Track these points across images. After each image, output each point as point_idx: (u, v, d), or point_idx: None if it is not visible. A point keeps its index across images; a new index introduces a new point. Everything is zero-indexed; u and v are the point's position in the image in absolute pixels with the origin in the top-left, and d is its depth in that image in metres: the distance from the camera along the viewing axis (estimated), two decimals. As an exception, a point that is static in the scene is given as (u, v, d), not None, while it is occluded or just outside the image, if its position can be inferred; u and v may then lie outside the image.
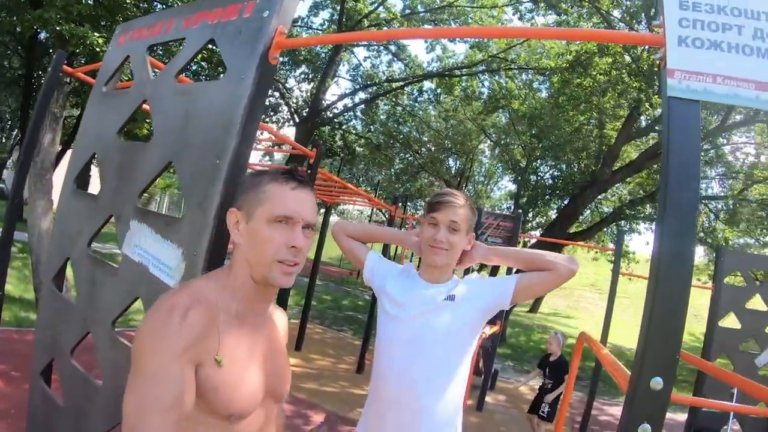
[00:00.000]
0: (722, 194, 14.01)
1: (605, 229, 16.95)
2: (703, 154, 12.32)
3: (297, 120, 17.35)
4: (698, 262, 18.79)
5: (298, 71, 18.39)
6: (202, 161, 1.67)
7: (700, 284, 10.53)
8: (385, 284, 1.79)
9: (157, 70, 2.23)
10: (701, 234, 13.83)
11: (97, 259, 2.09)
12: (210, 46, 1.95)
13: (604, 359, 1.82)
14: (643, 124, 11.82)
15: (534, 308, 25.07)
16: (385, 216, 25.54)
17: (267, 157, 19.69)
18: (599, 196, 13.66)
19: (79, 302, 2.12)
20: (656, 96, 9.07)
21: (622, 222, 16.22)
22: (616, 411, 7.14)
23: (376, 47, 17.26)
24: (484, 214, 6.67)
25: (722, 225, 13.78)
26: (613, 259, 17.02)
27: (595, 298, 33.77)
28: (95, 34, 6.46)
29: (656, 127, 11.62)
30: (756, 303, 5.39)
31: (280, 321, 1.35)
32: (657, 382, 1.09)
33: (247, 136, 1.63)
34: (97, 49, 6.29)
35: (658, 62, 1.20)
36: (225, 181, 1.59)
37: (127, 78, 3.69)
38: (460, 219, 1.67)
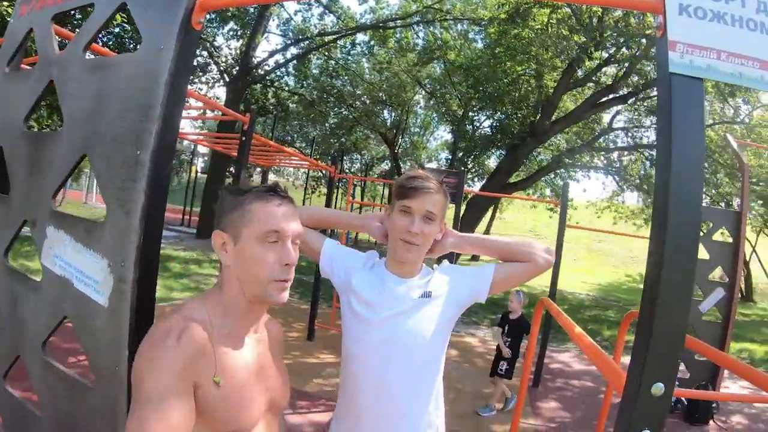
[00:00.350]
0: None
1: (543, 178, 17.48)
2: (639, 103, 12.76)
3: (227, 79, 16.66)
4: (633, 206, 19.85)
5: (227, 28, 17.55)
6: (121, 153, 1.38)
7: (645, 235, 11.03)
8: (351, 280, 1.57)
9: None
10: (637, 180, 14.50)
11: (16, 273, 1.78)
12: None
13: (581, 341, 1.73)
14: (580, 74, 11.96)
15: (476, 257, 25.90)
16: (324, 177, 25.29)
17: (199, 124, 18.89)
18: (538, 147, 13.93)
19: (3, 323, 1.81)
20: (597, 51, 9.16)
21: (561, 170, 16.76)
22: (565, 358, 7.44)
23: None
24: (427, 171, 6.55)
25: (657, 171, 14.42)
26: (551, 207, 17.78)
27: (533, 244, 35.24)
28: (4, 2, 5.49)
29: (593, 78, 11.84)
30: (700, 253, 5.63)
31: (275, 333, 1.36)
32: (659, 388, 1.02)
33: (171, 119, 1.36)
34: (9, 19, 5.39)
35: (652, 32, 1.05)
36: (149, 177, 1.32)
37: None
38: (436, 208, 1.47)
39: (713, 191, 13.70)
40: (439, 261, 1.71)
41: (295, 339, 6.54)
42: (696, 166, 1.01)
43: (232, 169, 16.39)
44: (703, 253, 5.71)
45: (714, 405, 5.12)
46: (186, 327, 1.06)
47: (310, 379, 5.07)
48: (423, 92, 21.57)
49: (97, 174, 1.45)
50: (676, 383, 3.91)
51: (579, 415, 4.96)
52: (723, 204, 15.47)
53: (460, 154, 18.21)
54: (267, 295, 1.15)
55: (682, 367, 5.14)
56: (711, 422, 5.02)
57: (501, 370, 4.75)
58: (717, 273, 6.05)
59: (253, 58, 16.01)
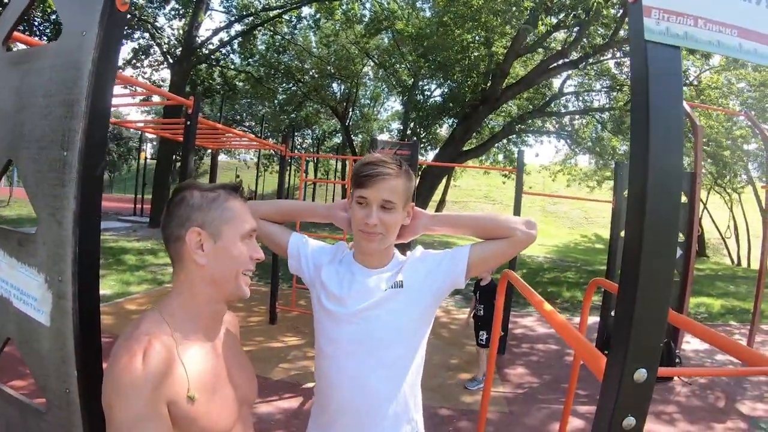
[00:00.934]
0: (609, 106, 14.82)
1: (496, 145, 17.67)
2: (589, 68, 12.94)
3: (171, 61, 15.98)
4: (586, 168, 20.41)
5: (168, 8, 16.77)
6: (47, 155, 1.23)
7: (602, 198, 11.33)
8: (320, 275, 1.48)
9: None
10: (589, 143, 14.84)
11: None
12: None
13: (553, 320, 1.70)
14: (530, 40, 11.99)
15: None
16: (276, 156, 24.86)
17: (147, 110, 18.18)
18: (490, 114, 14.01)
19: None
20: (546, 17, 9.15)
21: (513, 136, 16.98)
22: (528, 322, 7.61)
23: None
24: (380, 143, 6.49)
25: (609, 134, 14.83)
26: (506, 173, 18.06)
27: (488, 209, 35.96)
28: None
29: (543, 44, 11.89)
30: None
31: (232, 324, 1.34)
32: (641, 374, 0.99)
33: (98, 114, 1.20)
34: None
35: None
36: (79, 180, 1.18)
37: None
38: (395, 194, 1.37)
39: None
40: (410, 245, 1.63)
41: (257, 323, 6.44)
42: (675, 139, 0.96)
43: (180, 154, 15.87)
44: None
45: (678, 360, 5.33)
46: (150, 345, 1.01)
47: (276, 364, 5.00)
48: (372, 64, 21.43)
49: (23, 180, 1.31)
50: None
51: (547, 380, 5.08)
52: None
53: (412, 124, 18.21)
54: (237, 288, 1.15)
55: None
56: (674, 378, 5.21)
57: (482, 340, 4.77)
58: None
59: (197, 38, 15.52)
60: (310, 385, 4.47)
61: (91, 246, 1.24)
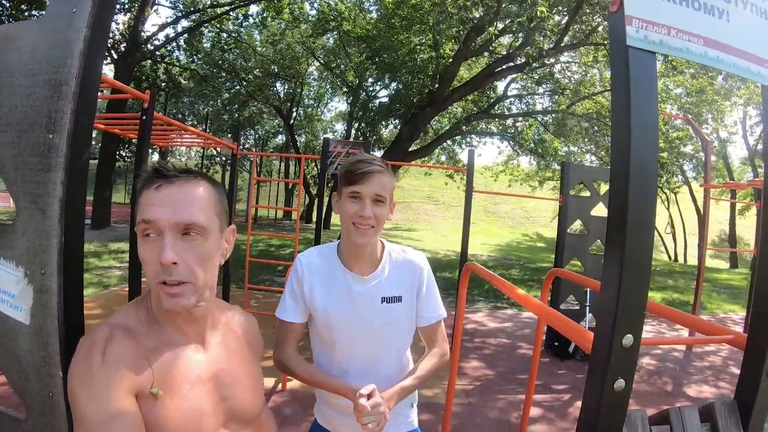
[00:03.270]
0: (551, 108, 15.38)
1: (443, 145, 17.99)
2: (533, 71, 13.39)
3: (115, 56, 15.32)
4: (528, 169, 21.09)
5: (114, 1, 15.92)
6: (28, 139, 1.16)
7: (548, 197, 11.70)
8: (315, 307, 1.55)
9: None
10: (532, 145, 15.34)
11: None
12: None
13: (528, 303, 1.77)
14: (477, 44, 12.27)
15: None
16: (219, 155, 24.28)
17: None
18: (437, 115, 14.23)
19: None
20: (493, 23, 9.37)
21: (458, 137, 17.34)
22: (478, 318, 7.79)
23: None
24: (332, 142, 6.48)
25: (551, 136, 15.39)
26: (450, 173, 18.39)
27: (432, 210, 36.54)
28: None
29: (490, 47, 12.20)
30: (600, 210, 6.06)
31: (246, 330, 1.24)
32: (629, 339, 1.07)
33: (88, 96, 1.15)
34: None
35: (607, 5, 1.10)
36: (67, 165, 1.13)
37: None
38: (385, 189, 1.48)
39: (602, 153, 14.83)
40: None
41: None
42: (652, 136, 1.04)
43: (122, 152, 15.26)
44: (604, 211, 6.15)
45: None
46: (111, 337, 0.95)
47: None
48: (317, 63, 21.32)
49: (0, 166, 1.21)
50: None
51: (502, 371, 5.21)
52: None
53: (357, 124, 18.24)
54: (159, 303, 1.00)
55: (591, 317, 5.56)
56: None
57: None
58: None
59: (143, 33, 14.90)
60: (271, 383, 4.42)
61: (77, 235, 1.19)
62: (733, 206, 24.03)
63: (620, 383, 1.06)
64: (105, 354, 0.92)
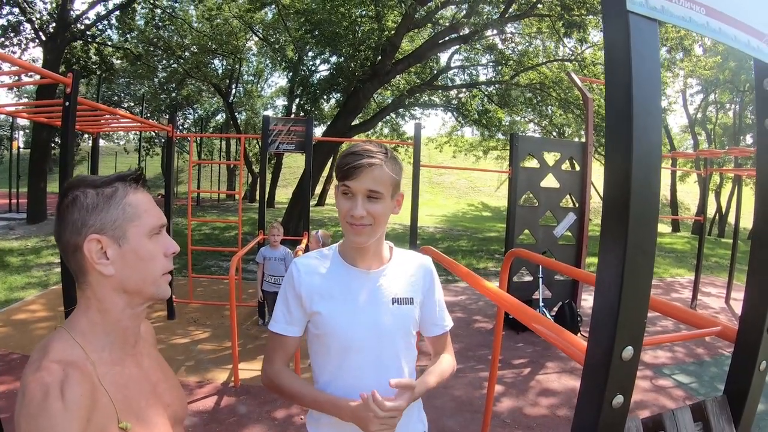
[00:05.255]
0: (495, 79, 15.42)
1: (385, 118, 17.84)
2: (475, 44, 13.32)
3: (44, 38, 14.21)
4: (472, 139, 21.29)
5: (40, -22, 14.69)
6: None
7: (495, 168, 11.78)
8: (317, 312, 1.40)
9: None
10: (476, 116, 15.41)
11: None
12: None
13: (500, 299, 1.68)
14: (420, 15, 12.05)
15: (321, 201, 26.08)
16: (158, 137, 23.19)
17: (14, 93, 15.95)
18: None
19: None
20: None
21: (401, 110, 17.22)
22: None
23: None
24: (272, 120, 6.25)
25: (495, 107, 15.49)
26: (395, 147, 18.32)
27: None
28: None
29: (433, 19, 12.00)
30: (550, 181, 6.11)
31: (148, 333, 1.19)
32: (629, 352, 0.99)
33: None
34: None
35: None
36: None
37: None
38: (381, 184, 1.32)
39: (545, 122, 15.07)
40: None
41: (154, 320, 5.97)
42: (655, 109, 0.95)
43: (58, 140, 14.36)
44: (554, 182, 6.21)
45: (579, 319, 5.71)
46: (66, 377, 0.85)
47: (182, 363, 4.66)
48: (255, 38, 20.58)
49: None
50: (541, 304, 4.20)
51: (461, 347, 5.23)
52: (555, 134, 17.31)
53: (297, 100, 17.79)
54: (159, 291, 1.02)
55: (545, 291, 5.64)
56: (579, 335, 5.54)
57: None
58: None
59: (72, 12, 13.89)
60: (223, 379, 4.24)
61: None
62: (673, 173, 25.16)
63: (619, 399, 0.99)
64: (65, 398, 0.83)
